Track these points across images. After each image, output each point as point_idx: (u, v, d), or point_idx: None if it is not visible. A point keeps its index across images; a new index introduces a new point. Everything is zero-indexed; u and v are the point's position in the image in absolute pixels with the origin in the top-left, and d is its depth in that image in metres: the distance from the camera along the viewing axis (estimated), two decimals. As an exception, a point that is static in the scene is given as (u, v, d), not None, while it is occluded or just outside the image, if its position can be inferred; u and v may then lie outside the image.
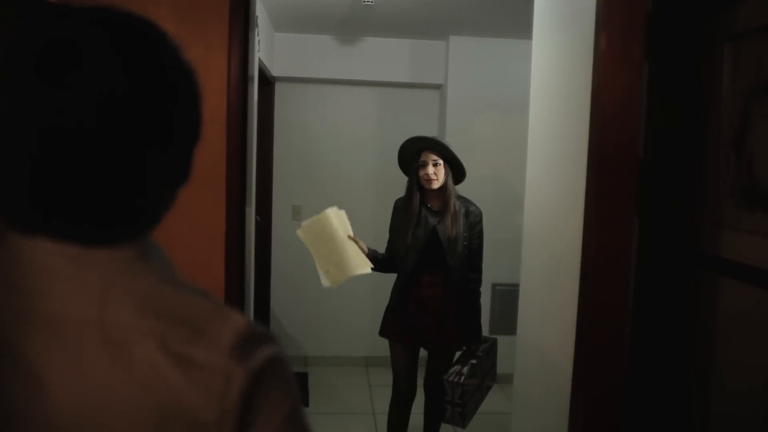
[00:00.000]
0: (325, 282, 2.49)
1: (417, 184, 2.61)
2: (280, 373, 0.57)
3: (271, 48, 4.08)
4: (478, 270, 2.69)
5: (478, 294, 2.70)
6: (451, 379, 2.51)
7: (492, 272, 3.97)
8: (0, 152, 0.53)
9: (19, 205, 0.54)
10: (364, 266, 2.48)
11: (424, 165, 2.56)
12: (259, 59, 3.51)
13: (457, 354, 2.68)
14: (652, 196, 1.50)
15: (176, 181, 0.62)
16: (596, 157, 1.48)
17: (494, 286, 4.16)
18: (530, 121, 2.23)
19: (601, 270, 1.49)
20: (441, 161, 2.57)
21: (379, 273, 2.68)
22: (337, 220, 2.50)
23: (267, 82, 4.20)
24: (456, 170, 2.63)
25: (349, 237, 2.51)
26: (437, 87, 4.44)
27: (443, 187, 2.59)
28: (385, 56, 4.30)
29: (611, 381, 1.50)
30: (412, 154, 2.62)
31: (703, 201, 1.41)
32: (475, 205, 2.69)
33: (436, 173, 2.56)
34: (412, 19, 3.79)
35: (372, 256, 2.58)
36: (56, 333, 0.53)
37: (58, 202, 0.53)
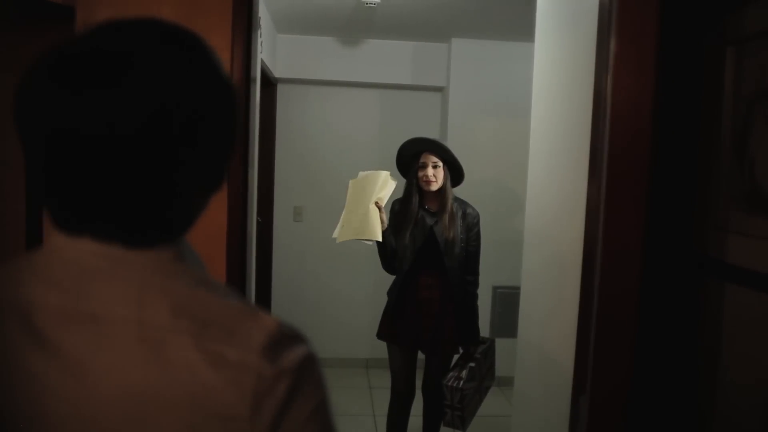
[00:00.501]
0: (336, 232, 2.59)
1: (416, 185, 2.62)
2: (310, 372, 0.59)
3: (273, 49, 4.09)
4: (476, 273, 2.69)
5: (475, 297, 2.69)
6: (450, 384, 2.50)
7: (493, 275, 3.96)
8: (49, 157, 0.57)
9: (66, 207, 0.58)
10: (375, 235, 2.50)
11: (424, 167, 2.57)
12: (262, 61, 3.52)
13: (455, 357, 2.68)
14: (655, 199, 1.50)
15: (211, 187, 0.64)
16: (602, 161, 1.47)
17: (495, 288, 4.16)
18: (532, 124, 2.23)
19: (608, 273, 1.49)
20: (440, 163, 2.57)
21: (378, 274, 2.68)
22: (385, 187, 2.57)
23: (269, 84, 4.20)
24: (455, 173, 2.63)
25: (376, 204, 2.54)
26: (439, 89, 4.44)
27: (442, 189, 2.59)
28: (387, 58, 4.31)
29: (614, 384, 1.50)
30: (412, 155, 2.62)
31: (706, 205, 1.41)
32: (472, 207, 2.69)
33: (436, 175, 2.56)
34: (414, 22, 3.79)
35: (386, 232, 2.60)
36: (96, 330, 0.56)
37: (103, 205, 0.57)
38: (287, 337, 0.59)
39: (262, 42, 3.32)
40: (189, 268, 0.62)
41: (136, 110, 0.54)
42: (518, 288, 2.33)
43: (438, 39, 4.23)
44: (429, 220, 2.59)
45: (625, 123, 1.44)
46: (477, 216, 2.67)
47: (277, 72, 4.22)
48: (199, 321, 0.57)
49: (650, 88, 1.40)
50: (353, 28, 4.03)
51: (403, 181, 2.69)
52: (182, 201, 0.61)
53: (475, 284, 2.69)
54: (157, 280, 0.58)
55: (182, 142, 0.57)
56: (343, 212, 2.60)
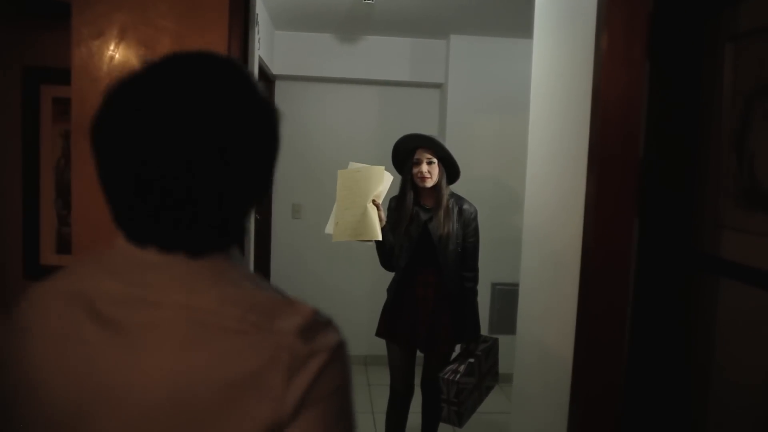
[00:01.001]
0: (329, 229, 2.50)
1: (411, 182, 2.60)
2: (338, 356, 0.66)
3: (271, 46, 4.08)
4: (474, 269, 2.67)
5: (474, 293, 2.68)
6: (446, 377, 2.49)
7: (492, 272, 3.96)
8: (121, 179, 0.66)
9: (134, 222, 0.68)
10: (375, 235, 2.44)
11: (418, 163, 2.55)
12: (260, 57, 3.51)
13: (455, 353, 2.67)
14: (653, 196, 1.49)
15: (259, 200, 0.74)
16: (596, 157, 1.47)
17: (494, 285, 4.16)
18: (531, 120, 2.23)
19: (601, 269, 1.49)
20: (435, 160, 2.55)
21: (377, 271, 2.67)
22: (381, 183, 2.48)
23: (267, 81, 4.19)
24: (450, 169, 2.62)
25: (374, 202, 2.47)
26: (438, 86, 4.44)
27: (437, 186, 2.57)
28: (386, 55, 4.30)
29: (609, 380, 1.50)
30: (407, 151, 2.61)
31: (703, 201, 1.41)
32: (469, 203, 2.67)
33: (430, 171, 2.54)
34: (412, 18, 3.78)
35: (384, 230, 2.57)
36: (149, 312, 0.64)
37: (168, 222, 0.66)
38: (321, 323, 0.67)
39: (259, 38, 3.30)
40: (236, 267, 0.70)
41: (202, 142, 0.63)
42: (517, 285, 2.32)
43: (436, 35, 4.22)
44: (423, 217, 2.58)
45: (615, 119, 1.43)
46: (474, 212, 2.66)
47: (275, 69, 4.21)
48: (242, 307, 0.64)
49: (640, 83, 1.39)
50: (351, 25, 4.02)
51: (399, 176, 2.68)
52: (234, 215, 0.70)
53: (474, 280, 2.67)
54: (207, 274, 0.67)
55: (236, 165, 0.66)
56: (335, 206, 2.51)
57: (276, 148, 0.72)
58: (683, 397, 1.48)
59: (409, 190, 2.61)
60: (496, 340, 2.76)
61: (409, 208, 2.60)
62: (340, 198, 2.50)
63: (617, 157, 1.44)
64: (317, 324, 0.66)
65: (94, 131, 0.69)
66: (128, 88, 0.68)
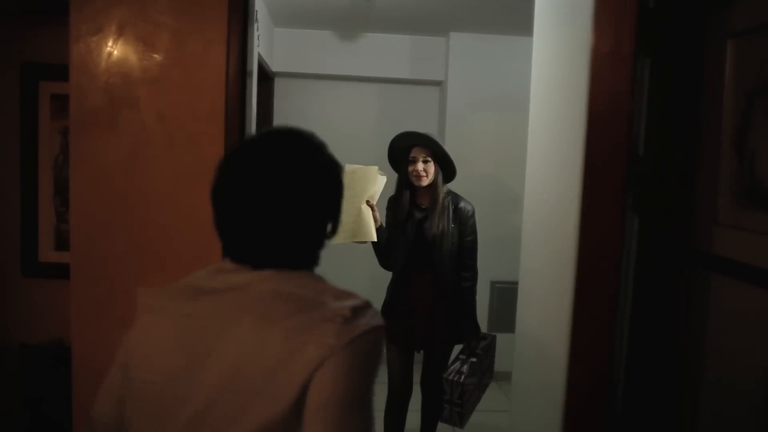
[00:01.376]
0: None
1: (406, 181, 2.57)
2: (375, 330, 0.89)
3: (270, 43, 4.07)
4: (471, 268, 2.64)
5: (473, 293, 2.65)
6: (451, 378, 2.46)
7: (491, 270, 3.96)
8: (228, 216, 0.96)
9: (241, 251, 0.95)
10: (370, 236, 2.44)
11: (414, 161, 2.52)
12: (259, 54, 3.50)
13: (456, 351, 2.67)
14: (652, 194, 1.49)
15: (331, 235, 1.01)
16: (586, 155, 1.45)
17: (493, 283, 4.16)
18: (530, 118, 2.22)
19: (591, 267, 1.48)
20: (431, 158, 2.52)
21: (375, 270, 2.66)
22: (375, 184, 2.48)
23: (266, 78, 4.18)
24: (447, 168, 2.58)
25: (368, 203, 2.47)
26: (437, 83, 4.43)
27: (433, 185, 2.54)
28: (385, 52, 4.29)
29: (598, 377, 1.48)
30: (402, 150, 2.59)
31: (703, 199, 1.40)
32: (466, 201, 2.64)
33: (426, 170, 2.51)
34: (412, 15, 3.78)
35: (379, 229, 2.56)
36: (245, 298, 0.90)
37: (261, 249, 0.94)
38: (370, 309, 0.91)
39: (259, 35, 3.30)
40: (313, 275, 0.98)
41: (290, 198, 0.92)
42: (516, 283, 2.32)
43: (436, 33, 4.21)
44: (418, 216, 2.57)
45: (603, 117, 1.40)
46: (471, 210, 2.63)
47: (274, 66, 4.20)
48: (316, 292, 0.91)
49: (628, 81, 1.37)
50: (351, 22, 4.01)
51: (395, 175, 2.67)
52: (311, 243, 0.99)
53: (472, 280, 2.64)
54: (289, 276, 0.93)
55: (311, 211, 0.95)
56: None
57: (341, 194, 1.01)
58: (678, 393, 1.48)
59: (404, 189, 2.59)
60: (494, 337, 2.76)
61: (405, 208, 2.57)
62: None
63: (606, 154, 1.42)
64: (366, 309, 0.91)
65: (213, 192, 0.98)
66: (236, 158, 0.98)
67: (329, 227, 1.00)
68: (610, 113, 1.40)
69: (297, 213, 0.93)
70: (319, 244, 1.00)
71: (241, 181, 0.94)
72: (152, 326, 0.96)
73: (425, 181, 2.52)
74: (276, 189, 0.92)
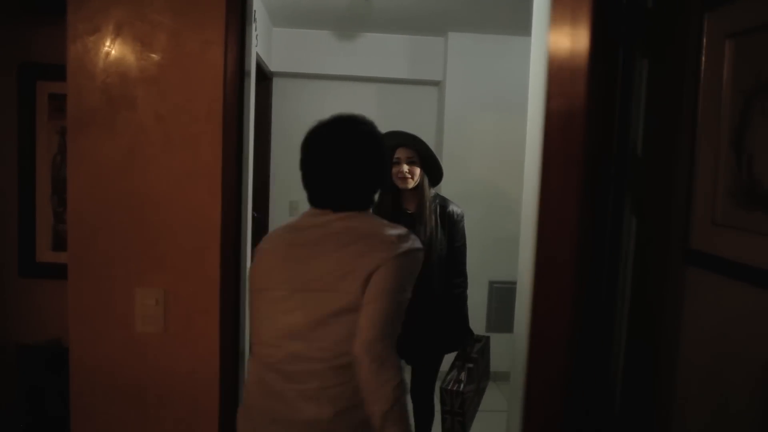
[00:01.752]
0: None
1: (390, 183, 2.45)
2: (412, 255, 1.38)
3: (268, 43, 4.06)
4: (462, 274, 2.54)
5: (464, 299, 2.56)
6: (450, 387, 2.35)
7: (489, 270, 3.96)
8: (314, 173, 1.43)
9: (322, 200, 1.43)
10: None
11: (398, 162, 2.42)
12: (257, 54, 3.50)
13: (448, 358, 2.62)
14: (649, 194, 1.49)
15: (381, 187, 1.54)
16: (544, 157, 1.39)
17: (491, 283, 4.16)
18: (528, 118, 2.22)
19: (548, 269, 1.46)
20: (417, 159, 2.40)
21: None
22: None
23: (265, 77, 4.18)
24: (434, 171, 2.47)
25: None
26: (436, 83, 4.43)
27: (419, 187, 2.43)
28: (384, 52, 4.29)
29: (556, 387, 1.42)
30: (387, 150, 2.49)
31: (701, 199, 1.40)
32: (456, 204, 2.56)
33: (411, 171, 2.39)
34: (410, 15, 3.77)
35: None
36: (324, 232, 1.39)
37: (337, 197, 1.41)
38: (411, 236, 1.40)
39: (257, 35, 3.29)
40: (371, 215, 1.45)
41: (357, 161, 1.41)
42: (514, 283, 2.32)
43: (434, 33, 4.21)
44: (404, 222, 2.50)
45: (559, 118, 1.34)
46: (461, 214, 2.54)
47: (272, 66, 4.20)
48: (374, 225, 1.39)
49: (583, 85, 1.30)
50: (349, 22, 4.01)
51: None
52: (368, 195, 1.47)
53: (463, 286, 2.55)
54: (356, 215, 1.41)
55: (368, 172, 1.44)
56: None
57: (387, 162, 1.61)
58: (673, 397, 1.48)
59: (387, 192, 2.47)
60: (488, 338, 2.73)
61: (388, 212, 2.44)
62: None
63: (561, 156, 1.35)
64: (408, 236, 1.40)
65: (302, 162, 1.43)
66: (314, 136, 1.43)
67: (381, 184, 1.49)
68: (566, 114, 1.34)
69: (359, 172, 1.41)
70: (373, 194, 1.48)
71: (321, 151, 1.41)
72: (269, 255, 1.45)
73: (410, 184, 2.40)
74: (345, 156, 1.39)
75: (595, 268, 1.50)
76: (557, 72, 1.35)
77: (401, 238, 1.35)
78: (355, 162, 1.39)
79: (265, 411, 1.37)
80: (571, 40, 1.31)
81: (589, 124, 1.31)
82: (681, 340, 1.46)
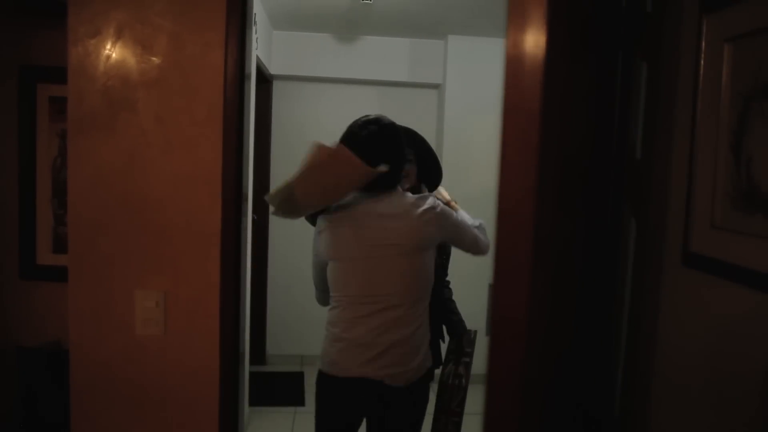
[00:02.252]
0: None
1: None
2: (440, 210, 2.00)
3: (269, 46, 4.07)
4: (447, 279, 2.50)
5: (452, 301, 2.50)
6: (451, 382, 2.25)
7: (489, 273, 3.96)
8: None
9: (374, 184, 1.94)
10: None
11: None
12: (257, 57, 3.50)
13: (444, 350, 2.56)
14: (649, 196, 1.49)
15: (401, 175, 2.10)
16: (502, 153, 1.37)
17: (491, 285, 4.15)
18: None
19: (505, 269, 1.46)
20: (413, 157, 2.24)
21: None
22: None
23: (265, 80, 4.19)
24: (433, 169, 2.36)
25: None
26: (435, 86, 4.44)
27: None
28: (384, 55, 4.30)
29: (516, 393, 1.39)
30: None
31: (699, 202, 1.41)
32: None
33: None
34: (410, 18, 3.78)
35: None
36: (373, 207, 1.98)
37: (384, 182, 1.97)
38: (424, 198, 2.01)
39: (257, 38, 3.30)
40: (401, 192, 2.05)
41: (386, 152, 1.97)
42: (514, 285, 2.32)
43: (434, 36, 4.22)
44: None
45: (516, 117, 1.30)
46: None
47: (272, 69, 4.21)
48: (408, 199, 2.00)
49: (537, 88, 1.27)
50: (349, 25, 4.01)
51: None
52: (397, 177, 2.03)
53: (449, 287, 2.51)
54: (393, 192, 2.01)
55: (396, 159, 1.99)
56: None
57: (405, 152, 2.09)
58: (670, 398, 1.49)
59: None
60: (476, 331, 2.60)
61: None
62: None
63: (518, 155, 1.32)
64: (423, 198, 2.00)
65: (343, 142, 1.96)
66: (350, 133, 2.03)
67: (402, 169, 2.05)
68: (520, 113, 1.30)
69: (390, 160, 1.90)
70: (400, 177, 2.04)
71: (357, 146, 1.87)
72: (333, 228, 1.97)
73: (406, 183, 2.20)
74: (377, 149, 1.92)
75: (574, 270, 1.49)
76: (511, 71, 1.32)
77: (422, 199, 2.00)
78: (389, 151, 1.97)
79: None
80: (526, 41, 1.28)
81: (544, 124, 1.29)
82: (680, 341, 1.47)
